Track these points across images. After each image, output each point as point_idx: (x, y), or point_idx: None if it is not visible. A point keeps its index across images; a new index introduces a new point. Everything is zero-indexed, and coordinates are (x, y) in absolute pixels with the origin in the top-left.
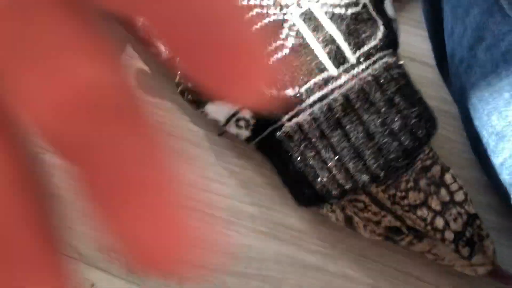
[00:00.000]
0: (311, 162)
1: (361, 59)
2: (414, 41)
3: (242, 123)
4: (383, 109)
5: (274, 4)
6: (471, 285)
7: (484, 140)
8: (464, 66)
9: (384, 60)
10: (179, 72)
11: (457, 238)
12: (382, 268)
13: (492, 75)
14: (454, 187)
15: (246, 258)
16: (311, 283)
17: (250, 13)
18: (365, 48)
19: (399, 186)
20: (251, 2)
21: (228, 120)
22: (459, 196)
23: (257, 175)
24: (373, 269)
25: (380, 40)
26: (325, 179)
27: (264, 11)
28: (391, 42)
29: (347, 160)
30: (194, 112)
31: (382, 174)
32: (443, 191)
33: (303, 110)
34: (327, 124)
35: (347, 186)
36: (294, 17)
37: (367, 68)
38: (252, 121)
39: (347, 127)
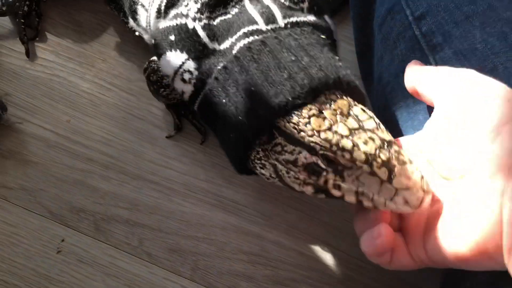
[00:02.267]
0: (234, 98)
1: (288, 26)
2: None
3: (187, 76)
4: (295, 52)
5: None
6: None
7: None
8: (389, 89)
9: (306, 28)
10: (149, 62)
11: (370, 159)
12: (307, 237)
13: (411, 99)
14: (363, 117)
15: (198, 225)
16: (249, 247)
17: None
18: (294, 19)
19: (301, 113)
20: None
21: (175, 73)
22: (369, 124)
23: (211, 157)
24: (300, 238)
25: (309, 18)
26: (243, 114)
27: None
28: (320, 28)
29: (262, 89)
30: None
31: (284, 99)
32: (350, 120)
33: (230, 53)
34: (246, 60)
35: (262, 112)
36: None
37: (291, 32)
38: (195, 73)
39: (264, 60)
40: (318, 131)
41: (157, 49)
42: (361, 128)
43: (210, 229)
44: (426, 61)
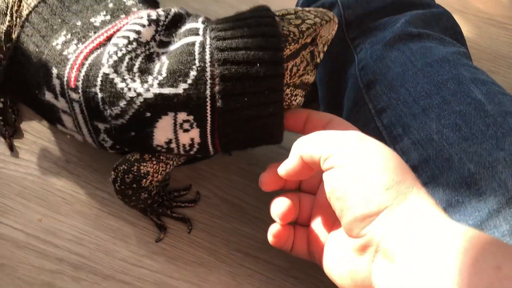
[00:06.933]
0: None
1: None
2: None
3: (186, 125)
4: (237, 26)
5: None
6: None
7: None
8: None
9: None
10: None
11: (321, 16)
12: None
13: None
14: (283, 11)
15: None
16: None
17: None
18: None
19: (287, 28)
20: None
21: (175, 131)
22: (311, 19)
23: (185, 253)
24: None
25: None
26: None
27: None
28: None
29: (256, 64)
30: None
31: (276, 49)
32: (288, 15)
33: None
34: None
35: (269, 73)
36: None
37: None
38: (191, 116)
39: (234, 45)
40: (302, 23)
41: (153, 114)
42: (295, 11)
43: None
44: None
